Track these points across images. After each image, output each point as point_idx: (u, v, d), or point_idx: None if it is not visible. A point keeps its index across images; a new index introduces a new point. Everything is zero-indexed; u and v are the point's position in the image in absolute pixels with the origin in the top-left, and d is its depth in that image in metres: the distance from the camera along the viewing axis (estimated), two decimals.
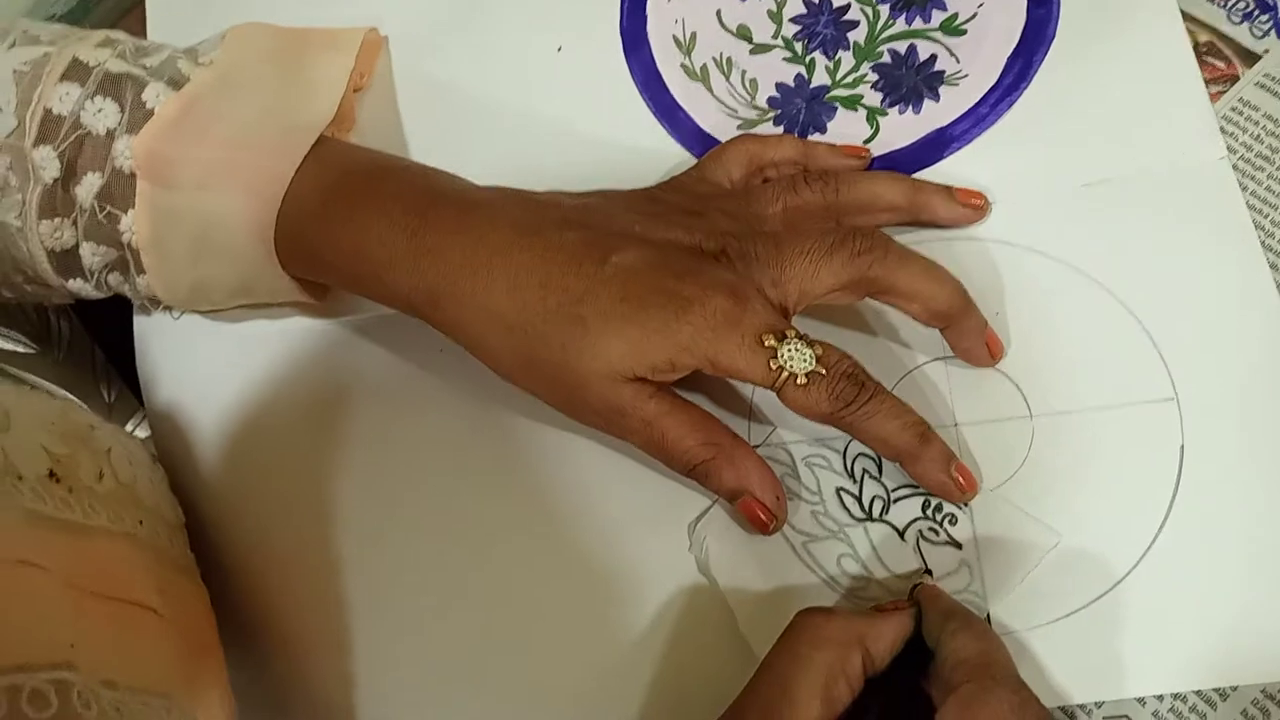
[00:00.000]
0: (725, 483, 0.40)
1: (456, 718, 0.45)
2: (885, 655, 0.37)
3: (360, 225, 0.42)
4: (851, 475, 0.43)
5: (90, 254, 0.44)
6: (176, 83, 0.44)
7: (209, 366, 0.50)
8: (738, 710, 0.37)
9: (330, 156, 0.44)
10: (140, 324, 0.52)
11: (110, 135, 0.43)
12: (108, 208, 0.43)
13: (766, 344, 0.38)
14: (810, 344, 0.38)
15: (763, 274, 0.40)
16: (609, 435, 0.41)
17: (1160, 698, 0.39)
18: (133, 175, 0.43)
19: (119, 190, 0.43)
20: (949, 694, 0.34)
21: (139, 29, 0.56)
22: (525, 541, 0.45)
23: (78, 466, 0.39)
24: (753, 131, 0.48)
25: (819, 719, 0.35)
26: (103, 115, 0.43)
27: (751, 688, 0.37)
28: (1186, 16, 0.46)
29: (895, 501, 0.42)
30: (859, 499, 0.42)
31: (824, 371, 0.38)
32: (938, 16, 0.48)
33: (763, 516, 0.40)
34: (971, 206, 0.44)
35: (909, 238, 0.45)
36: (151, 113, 0.43)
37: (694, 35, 0.50)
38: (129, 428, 0.59)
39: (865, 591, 0.41)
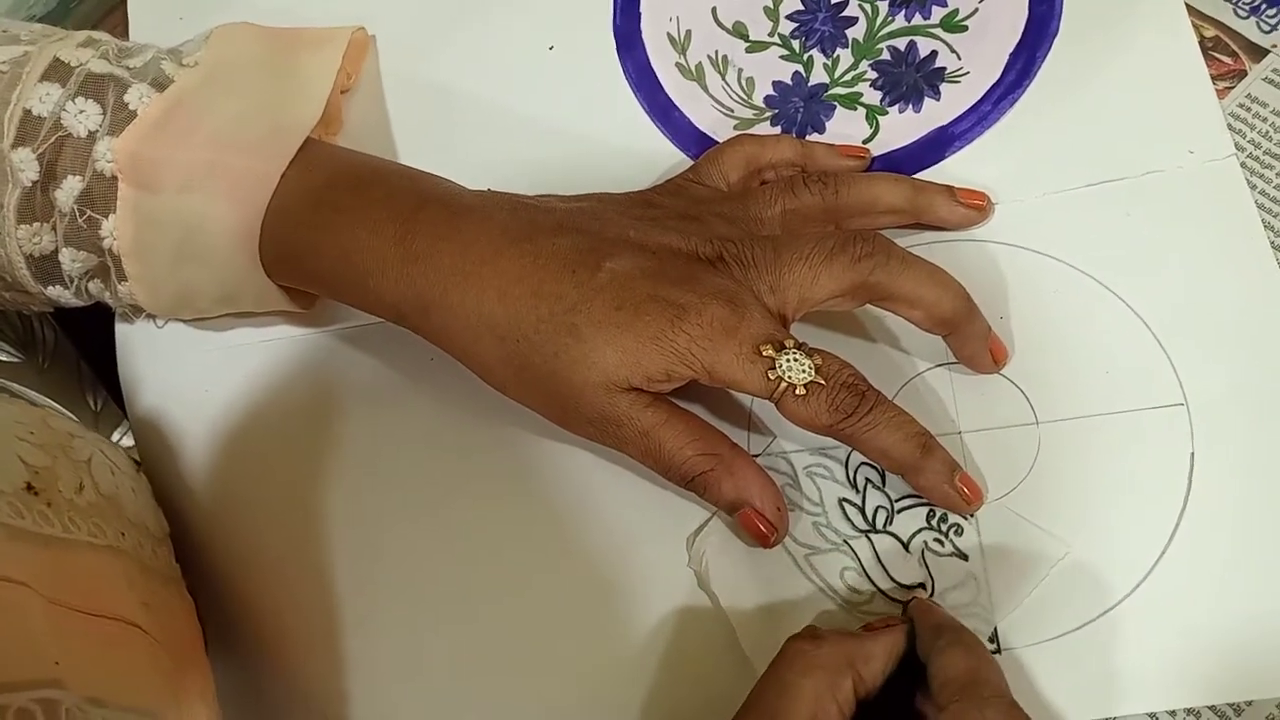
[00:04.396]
0: (724, 494, 0.39)
1: None
2: (878, 676, 0.36)
3: (346, 231, 0.41)
4: (854, 485, 0.42)
5: (70, 260, 0.43)
6: (160, 84, 0.43)
7: (193, 375, 0.49)
8: None
9: (317, 159, 0.43)
10: (122, 331, 0.51)
11: (92, 137, 0.42)
12: (88, 212, 0.42)
13: (764, 354, 0.37)
14: (809, 353, 0.37)
15: (760, 280, 0.39)
16: (604, 447, 0.40)
17: (1174, 714, 0.38)
18: (114, 178, 0.42)
19: (100, 194, 0.42)
20: (938, 714, 0.34)
21: (121, 30, 0.55)
22: (519, 553, 0.45)
23: (57, 478, 0.38)
24: (750, 131, 0.47)
25: None
26: (84, 117, 0.42)
27: (741, 717, 0.36)
28: (1192, 11, 0.45)
29: (899, 512, 0.41)
30: (862, 510, 0.41)
31: (823, 382, 0.37)
32: (938, 12, 0.47)
33: (763, 529, 0.39)
34: (974, 207, 0.43)
35: (910, 240, 0.44)
36: (134, 114, 0.42)
37: (689, 33, 0.49)
38: (115, 436, 0.58)
39: (869, 605, 0.40)
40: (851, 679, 0.36)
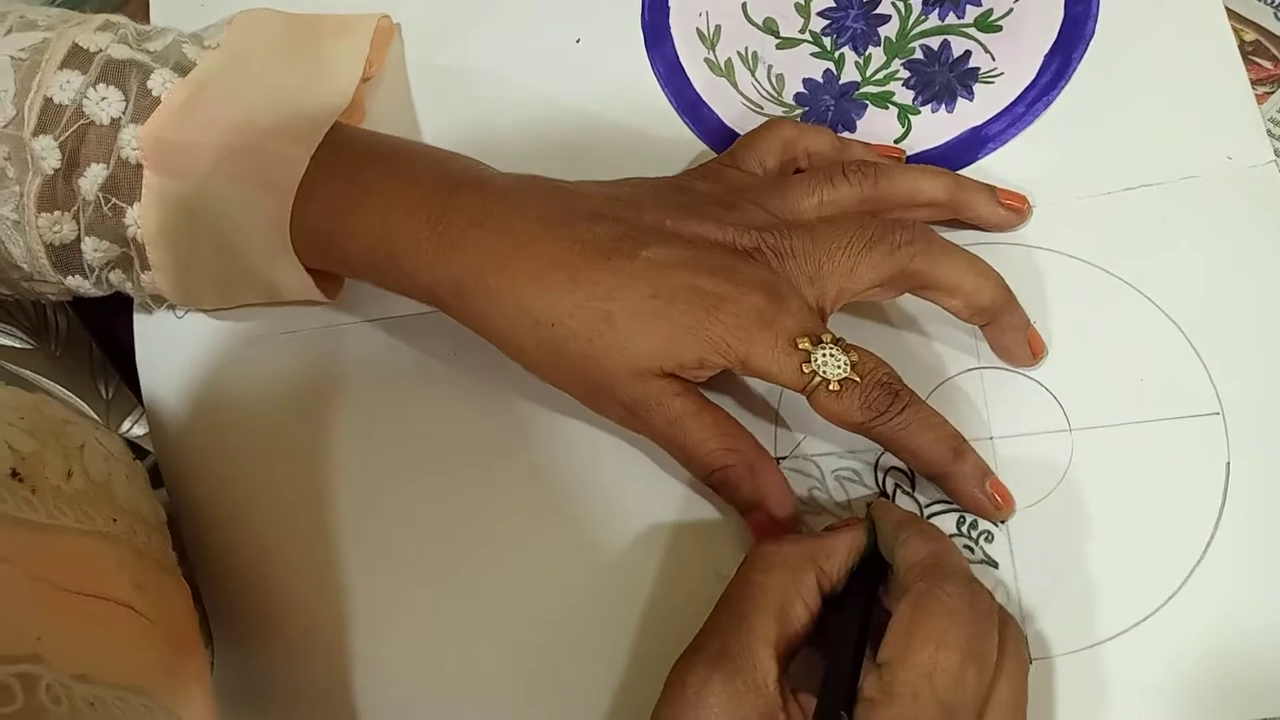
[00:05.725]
0: (742, 492, 0.39)
1: (454, 714, 0.44)
2: (840, 571, 0.37)
3: (379, 213, 0.40)
4: (883, 490, 0.41)
5: (92, 249, 0.43)
6: (182, 68, 0.43)
7: (211, 365, 0.49)
8: (699, 641, 0.36)
9: (345, 142, 0.43)
10: (140, 321, 0.50)
11: (115, 124, 0.41)
12: (113, 200, 0.42)
13: (800, 347, 0.37)
14: (845, 349, 0.37)
15: (799, 271, 0.38)
16: (630, 430, 0.40)
17: None
18: (139, 166, 0.42)
19: (125, 182, 0.42)
20: (903, 597, 0.34)
21: (141, 15, 0.54)
22: (533, 543, 0.44)
23: (44, 465, 0.38)
24: None
25: (775, 639, 0.34)
26: (106, 104, 0.41)
27: (711, 618, 0.36)
28: (1232, 14, 0.44)
29: (929, 518, 0.40)
30: None
31: (858, 379, 0.37)
32: (972, 12, 0.46)
33: (774, 536, 0.39)
34: (1013, 209, 0.43)
35: None
36: (158, 100, 0.42)
37: (718, 28, 0.49)
38: (126, 425, 0.57)
39: None
40: (814, 574, 0.36)
